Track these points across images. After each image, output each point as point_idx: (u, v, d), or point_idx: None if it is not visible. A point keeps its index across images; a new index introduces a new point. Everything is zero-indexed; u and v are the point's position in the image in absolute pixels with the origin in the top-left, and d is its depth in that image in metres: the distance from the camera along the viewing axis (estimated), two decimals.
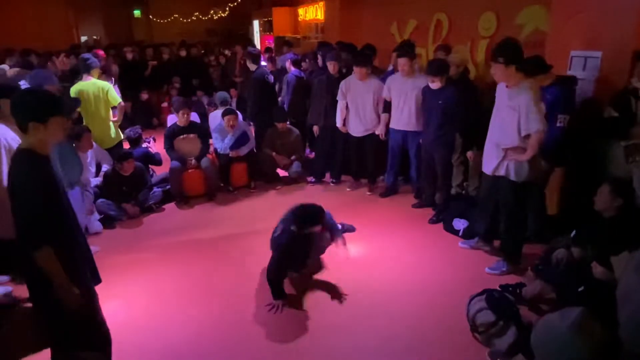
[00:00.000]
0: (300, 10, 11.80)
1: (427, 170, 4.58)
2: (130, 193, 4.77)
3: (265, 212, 4.84)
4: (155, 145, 6.58)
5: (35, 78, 3.89)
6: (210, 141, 5.56)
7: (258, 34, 14.77)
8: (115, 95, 4.93)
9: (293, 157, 5.64)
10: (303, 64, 6.49)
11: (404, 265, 3.72)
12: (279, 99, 6.56)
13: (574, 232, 3.19)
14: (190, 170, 5.21)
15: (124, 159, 4.67)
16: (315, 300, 3.26)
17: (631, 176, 3.06)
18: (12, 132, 2.89)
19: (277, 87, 6.55)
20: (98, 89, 4.81)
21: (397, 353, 2.72)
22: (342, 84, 5.02)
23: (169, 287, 3.48)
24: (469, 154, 4.39)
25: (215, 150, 5.53)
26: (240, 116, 5.67)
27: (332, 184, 5.62)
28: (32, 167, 1.92)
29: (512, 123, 3.15)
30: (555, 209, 4.10)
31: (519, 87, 3.11)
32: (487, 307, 2.71)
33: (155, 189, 5.06)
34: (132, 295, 3.36)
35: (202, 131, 5.41)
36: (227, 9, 18.47)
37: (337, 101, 5.09)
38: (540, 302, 3.03)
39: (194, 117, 6.22)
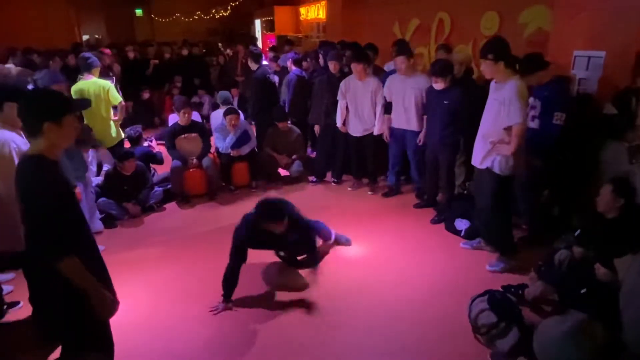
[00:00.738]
0: (302, 10, 11.79)
1: (430, 170, 4.57)
2: (131, 192, 4.77)
3: None
4: (156, 143, 6.60)
5: (44, 78, 3.89)
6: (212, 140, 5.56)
7: (260, 33, 14.76)
8: (116, 94, 4.93)
9: (294, 157, 5.63)
10: (304, 63, 6.48)
11: (406, 265, 3.70)
12: (281, 98, 6.55)
13: (577, 232, 3.18)
14: (191, 170, 5.20)
15: (125, 158, 4.67)
16: (316, 300, 3.24)
17: (628, 175, 3.05)
18: (21, 137, 2.89)
19: (284, 87, 6.53)
20: (99, 87, 4.81)
21: (398, 353, 2.71)
22: (342, 83, 5.01)
23: (170, 286, 3.48)
24: None
25: (217, 149, 5.52)
26: (241, 115, 5.66)
27: (333, 184, 5.61)
28: (45, 174, 1.84)
29: (496, 116, 3.22)
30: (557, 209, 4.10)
31: (507, 82, 3.17)
32: (489, 308, 2.70)
33: (156, 188, 5.06)
34: (133, 294, 3.35)
35: (204, 130, 5.40)
36: (229, 8, 18.47)
37: (338, 101, 5.08)
38: (542, 303, 3.02)
39: (195, 116, 6.22)
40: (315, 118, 5.60)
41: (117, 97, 4.92)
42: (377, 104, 4.90)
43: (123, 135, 5.28)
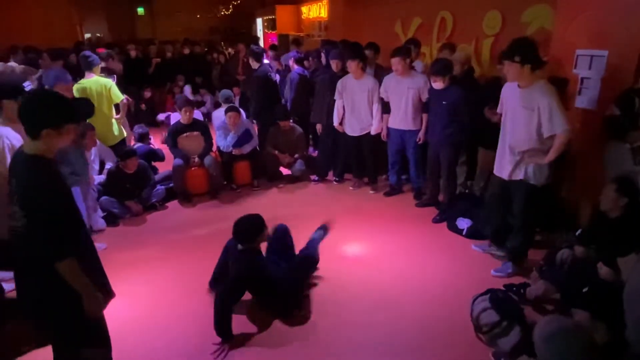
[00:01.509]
0: (304, 8, 11.78)
1: (432, 169, 4.56)
2: (133, 191, 4.77)
3: (268, 211, 4.82)
4: (155, 141, 6.62)
5: (51, 76, 3.88)
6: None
7: (261, 32, 14.74)
8: (117, 92, 4.93)
9: (296, 156, 5.63)
10: (306, 62, 6.48)
11: (407, 264, 3.70)
12: (283, 97, 6.55)
13: (579, 231, 3.18)
14: (193, 168, 5.21)
15: (128, 157, 4.67)
16: (318, 299, 3.24)
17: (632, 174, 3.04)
18: (14, 132, 2.88)
19: (286, 86, 6.52)
20: (101, 86, 4.81)
21: (399, 352, 2.71)
22: (338, 83, 5.01)
23: (172, 285, 3.48)
24: None
25: (218, 148, 5.52)
26: (243, 114, 5.66)
27: (335, 183, 5.61)
28: (46, 174, 1.85)
29: (528, 125, 3.03)
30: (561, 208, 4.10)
31: (533, 86, 3.00)
32: (491, 307, 2.70)
33: (158, 186, 5.06)
34: (135, 293, 3.36)
35: (206, 129, 5.41)
36: (231, 7, 18.45)
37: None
38: (544, 302, 3.02)
39: (197, 114, 6.22)
40: (317, 117, 5.60)
41: (119, 95, 4.92)
42: (374, 103, 4.90)
43: (125, 134, 5.29)
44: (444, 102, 4.18)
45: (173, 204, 5.10)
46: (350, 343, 2.79)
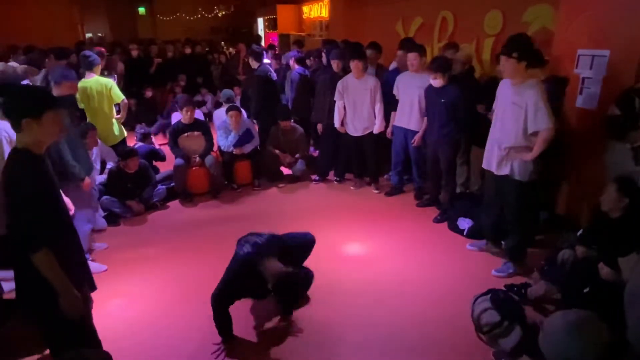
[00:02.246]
0: (305, 8, 11.78)
1: (432, 169, 4.56)
2: (134, 190, 4.78)
3: (269, 210, 4.84)
4: (156, 140, 6.64)
5: (56, 74, 3.87)
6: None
7: (262, 32, 14.75)
8: (118, 92, 4.93)
9: (297, 155, 5.63)
10: (307, 61, 6.47)
11: (408, 264, 3.70)
12: (284, 97, 6.55)
13: (580, 231, 3.17)
14: (194, 168, 5.21)
15: (129, 156, 4.68)
16: (319, 298, 3.24)
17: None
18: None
19: (287, 85, 6.52)
20: (101, 85, 4.81)
21: (401, 352, 2.71)
22: (339, 83, 5.00)
23: (173, 284, 3.48)
24: None
25: (219, 147, 5.53)
26: (244, 114, 5.66)
27: (336, 183, 5.61)
28: (28, 167, 1.87)
29: (516, 121, 3.10)
30: (564, 208, 4.10)
31: (525, 84, 3.06)
32: (492, 307, 2.69)
33: (159, 186, 5.07)
34: (136, 292, 3.36)
35: (206, 129, 5.41)
36: (232, 6, 18.46)
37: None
38: (545, 302, 3.02)
39: (198, 114, 6.23)
40: (318, 117, 5.59)
41: (119, 95, 4.92)
42: (377, 102, 4.90)
43: (125, 133, 5.29)
44: (442, 101, 4.18)
45: (174, 204, 5.11)
46: (351, 343, 2.79)
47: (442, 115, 4.22)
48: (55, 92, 3.70)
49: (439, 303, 3.16)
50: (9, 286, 3.27)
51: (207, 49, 11.07)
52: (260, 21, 15.06)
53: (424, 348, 2.74)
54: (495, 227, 3.64)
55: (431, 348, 2.73)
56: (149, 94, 8.62)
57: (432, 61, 4.36)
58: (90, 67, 4.85)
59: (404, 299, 3.21)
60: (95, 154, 4.62)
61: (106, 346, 2.27)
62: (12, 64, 5.60)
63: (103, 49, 6.75)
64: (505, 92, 3.24)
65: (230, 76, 9.21)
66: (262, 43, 12.39)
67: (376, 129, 4.98)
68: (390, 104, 4.87)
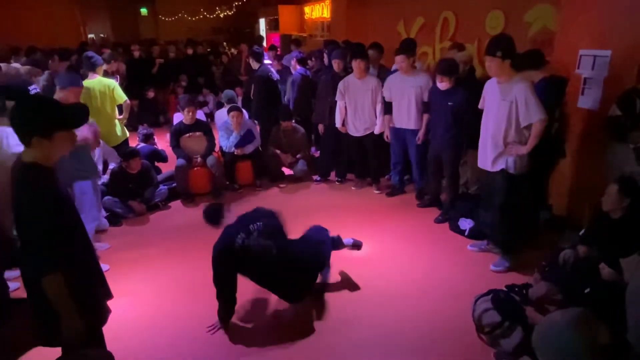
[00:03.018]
0: (307, 9, 11.79)
1: (433, 170, 4.56)
2: (136, 191, 4.80)
3: None
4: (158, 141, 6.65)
5: (63, 79, 3.87)
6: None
7: (264, 32, 14.78)
8: (121, 93, 4.96)
9: (298, 156, 5.64)
10: (309, 62, 6.48)
11: (409, 264, 3.71)
12: (285, 97, 6.56)
13: (582, 231, 3.17)
14: (196, 168, 5.23)
15: (131, 157, 4.70)
16: (320, 299, 3.25)
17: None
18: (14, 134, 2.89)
19: (288, 87, 6.52)
20: (104, 86, 4.83)
21: (402, 352, 2.71)
22: (340, 84, 5.01)
23: (175, 284, 3.49)
24: None
25: (221, 148, 5.54)
26: (245, 114, 5.68)
27: (337, 183, 5.62)
28: (39, 184, 1.79)
29: (508, 115, 3.19)
30: (564, 209, 4.09)
31: (511, 81, 3.15)
32: (493, 308, 2.69)
33: (161, 186, 5.08)
34: (138, 292, 3.38)
35: (208, 129, 5.42)
36: (234, 7, 18.50)
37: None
38: (546, 303, 3.01)
39: (200, 115, 6.25)
40: (319, 117, 5.60)
41: (122, 96, 4.95)
42: (378, 103, 4.91)
43: (128, 134, 5.31)
44: (449, 104, 4.14)
45: (176, 204, 5.12)
46: (351, 343, 2.80)
47: (447, 119, 4.19)
48: (58, 95, 3.69)
49: (440, 303, 3.16)
50: (13, 285, 3.30)
51: (208, 49, 11.10)
52: (262, 22, 15.09)
53: (425, 348, 2.74)
54: (494, 227, 3.63)
55: (432, 348, 2.73)
56: (150, 94, 8.65)
57: (438, 63, 4.33)
58: (93, 67, 4.87)
59: (405, 299, 3.22)
60: (97, 154, 4.64)
61: (108, 345, 2.28)
62: (15, 64, 5.63)
63: (109, 51, 6.79)
64: (492, 91, 3.33)
65: (232, 76, 9.24)
66: (264, 43, 12.42)
67: (377, 130, 4.98)
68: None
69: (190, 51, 9.60)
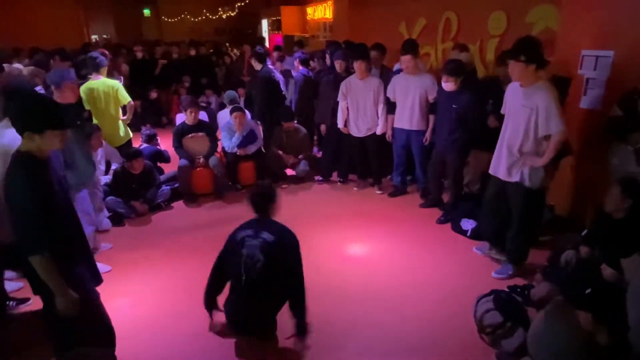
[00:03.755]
0: (309, 9, 11.80)
1: (436, 170, 4.55)
2: (139, 191, 4.81)
3: None
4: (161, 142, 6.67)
5: (54, 76, 3.88)
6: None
7: (267, 33, 14.80)
8: (125, 93, 4.97)
9: (300, 156, 5.65)
10: (311, 62, 6.49)
11: (411, 264, 3.70)
12: (288, 97, 6.56)
13: (584, 232, 3.17)
14: (198, 169, 5.24)
15: (134, 157, 4.71)
16: (320, 299, 3.25)
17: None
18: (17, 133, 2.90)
19: (290, 88, 6.53)
20: (108, 87, 4.86)
21: (402, 353, 2.71)
22: (342, 84, 5.01)
23: (177, 285, 3.50)
24: None
25: (223, 148, 5.55)
26: (248, 115, 5.69)
27: (339, 183, 5.62)
28: (29, 171, 1.90)
29: (527, 124, 3.03)
30: (566, 210, 4.08)
31: (534, 86, 2.99)
32: (494, 308, 2.70)
33: (164, 187, 5.10)
34: (140, 292, 3.39)
35: (211, 130, 5.43)
36: (236, 8, 18.54)
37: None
38: (548, 303, 3.00)
39: (202, 115, 6.26)
40: (321, 118, 5.61)
41: (126, 97, 4.96)
42: (380, 103, 4.91)
43: (131, 135, 5.33)
44: (454, 106, 4.11)
45: (178, 204, 5.14)
46: (353, 343, 2.80)
47: (452, 121, 4.16)
48: (57, 96, 3.66)
49: (442, 303, 3.16)
50: (15, 285, 3.32)
51: (211, 50, 11.13)
52: (264, 22, 15.10)
53: (426, 349, 2.74)
54: (496, 233, 3.56)
55: (434, 349, 2.73)
56: (153, 95, 8.68)
57: (445, 64, 4.28)
58: (97, 68, 4.88)
59: (406, 299, 3.22)
60: (100, 154, 4.66)
61: None
62: (17, 65, 5.66)
63: (106, 51, 6.80)
64: (514, 95, 3.16)
65: (234, 77, 9.26)
66: (267, 44, 12.45)
67: (379, 130, 4.98)
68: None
69: (192, 52, 9.63)
